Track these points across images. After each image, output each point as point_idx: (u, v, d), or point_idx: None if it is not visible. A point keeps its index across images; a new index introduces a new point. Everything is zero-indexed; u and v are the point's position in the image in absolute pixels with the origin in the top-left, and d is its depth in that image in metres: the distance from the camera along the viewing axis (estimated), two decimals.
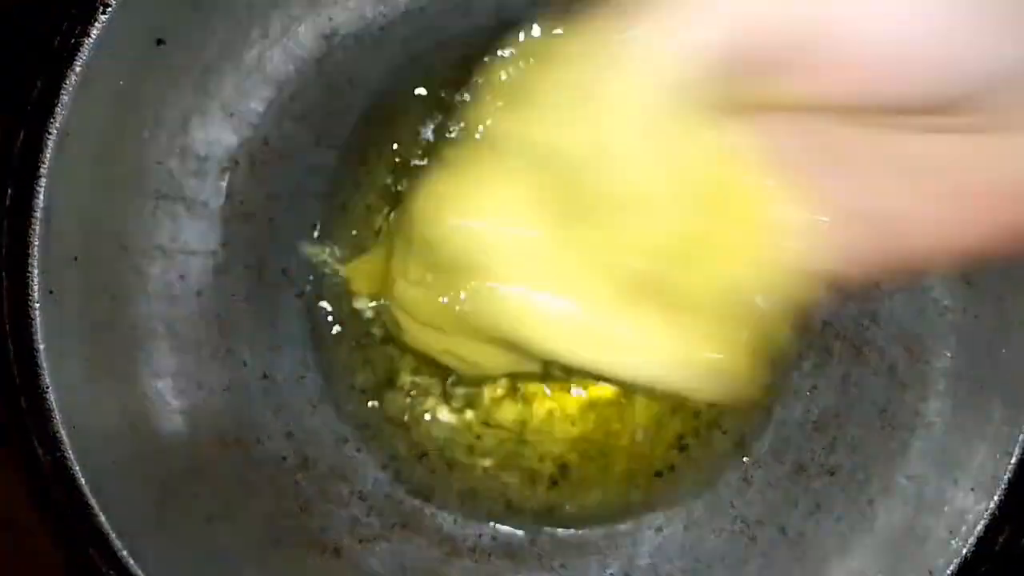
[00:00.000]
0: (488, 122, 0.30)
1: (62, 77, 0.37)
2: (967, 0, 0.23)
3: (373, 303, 0.47)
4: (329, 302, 0.47)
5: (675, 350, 0.30)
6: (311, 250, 0.47)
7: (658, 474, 0.47)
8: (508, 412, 0.47)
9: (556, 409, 0.47)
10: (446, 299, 0.32)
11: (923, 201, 0.27)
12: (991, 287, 0.42)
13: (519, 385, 0.47)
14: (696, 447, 0.47)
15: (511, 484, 0.47)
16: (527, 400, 0.47)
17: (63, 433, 0.38)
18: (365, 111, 0.48)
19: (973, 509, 0.40)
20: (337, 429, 0.47)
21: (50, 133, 0.37)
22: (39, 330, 0.38)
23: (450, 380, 0.47)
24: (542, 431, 0.47)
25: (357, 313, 0.47)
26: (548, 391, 0.47)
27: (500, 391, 0.47)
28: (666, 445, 0.47)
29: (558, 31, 0.28)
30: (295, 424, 0.47)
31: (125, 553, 0.38)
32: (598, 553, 0.47)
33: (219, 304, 0.45)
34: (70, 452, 0.38)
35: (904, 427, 0.44)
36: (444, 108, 0.48)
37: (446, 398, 0.47)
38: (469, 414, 0.47)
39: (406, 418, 0.47)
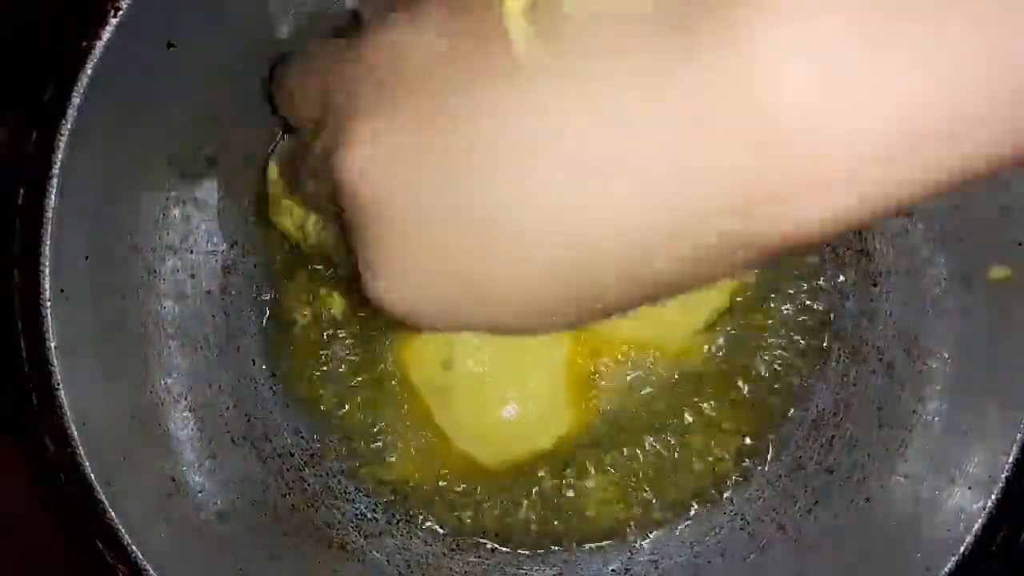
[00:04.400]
0: None
1: (74, 79, 0.37)
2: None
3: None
4: (338, 300, 0.47)
5: None
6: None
7: (658, 471, 0.47)
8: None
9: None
10: None
11: None
12: (989, 287, 0.42)
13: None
14: (696, 445, 0.47)
15: (515, 479, 0.47)
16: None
17: (73, 429, 0.38)
18: None
19: (970, 508, 0.40)
20: (344, 426, 0.47)
21: (62, 134, 0.37)
22: (50, 328, 0.38)
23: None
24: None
25: (366, 311, 0.47)
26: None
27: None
28: (666, 443, 0.47)
29: None
30: (302, 421, 0.47)
31: (134, 548, 0.39)
32: (599, 549, 0.47)
33: (228, 303, 0.46)
34: (80, 448, 0.38)
35: (901, 426, 0.44)
36: None
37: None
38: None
39: (413, 416, 0.47)
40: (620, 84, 0.24)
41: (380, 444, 0.47)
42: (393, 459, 0.47)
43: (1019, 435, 0.40)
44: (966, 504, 0.40)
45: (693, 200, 0.25)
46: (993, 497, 0.40)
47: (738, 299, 0.47)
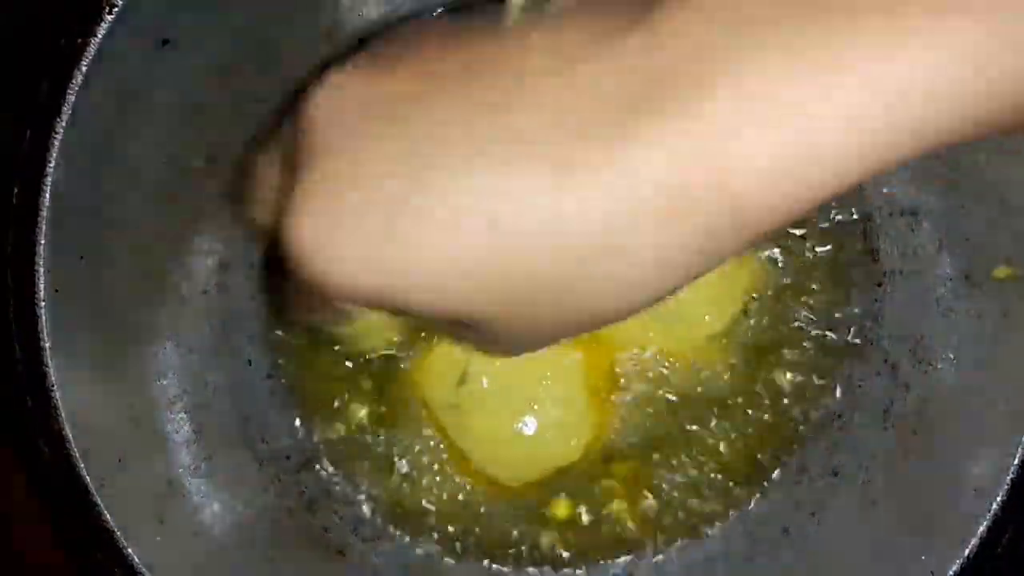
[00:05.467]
0: None
1: (68, 77, 0.37)
2: None
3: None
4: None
5: None
6: None
7: (669, 478, 0.47)
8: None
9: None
10: None
11: None
12: (994, 287, 0.42)
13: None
14: (708, 449, 0.47)
15: (514, 484, 0.47)
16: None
17: (68, 431, 0.38)
18: None
19: (976, 510, 0.40)
20: (341, 429, 0.47)
21: (56, 133, 0.37)
22: (45, 328, 0.38)
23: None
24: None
25: (364, 312, 0.47)
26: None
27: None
28: (681, 450, 0.47)
29: None
30: (299, 424, 0.47)
31: (129, 550, 0.38)
32: (602, 554, 0.47)
33: (224, 303, 0.45)
34: (75, 450, 0.38)
35: (906, 428, 0.44)
36: None
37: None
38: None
39: (411, 418, 0.47)
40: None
41: (380, 445, 0.47)
42: (395, 459, 0.47)
43: None
44: (972, 506, 0.40)
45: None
46: (999, 499, 0.40)
47: (750, 302, 0.47)
